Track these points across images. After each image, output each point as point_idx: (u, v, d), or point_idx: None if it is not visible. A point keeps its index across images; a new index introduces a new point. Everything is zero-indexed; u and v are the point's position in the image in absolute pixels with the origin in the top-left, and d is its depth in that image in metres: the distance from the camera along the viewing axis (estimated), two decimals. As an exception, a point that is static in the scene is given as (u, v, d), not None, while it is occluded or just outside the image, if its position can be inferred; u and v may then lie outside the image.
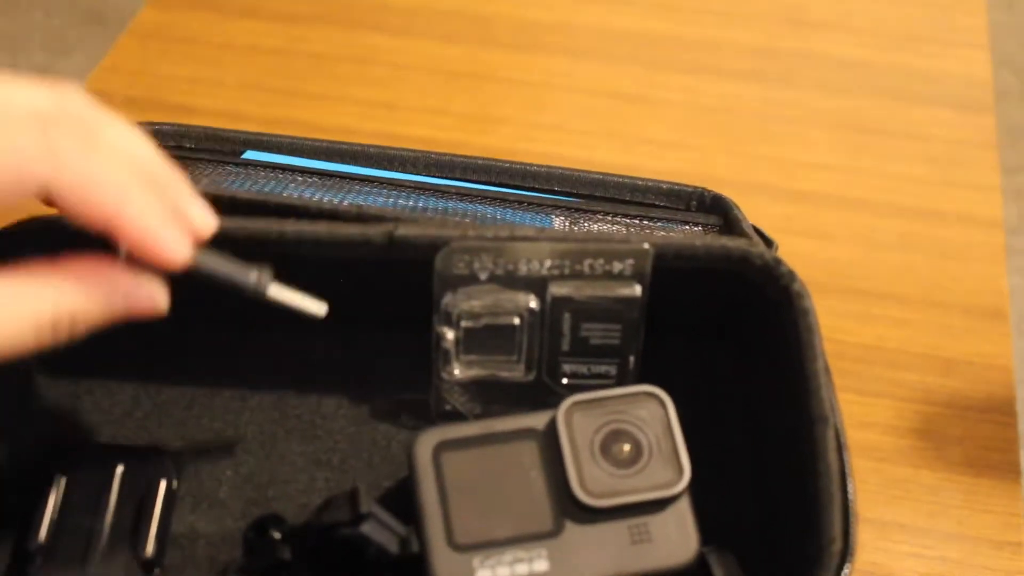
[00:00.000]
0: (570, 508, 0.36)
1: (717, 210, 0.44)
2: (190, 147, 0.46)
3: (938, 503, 0.49)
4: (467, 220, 0.42)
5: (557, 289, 0.40)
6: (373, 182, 0.45)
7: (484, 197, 0.45)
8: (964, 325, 0.56)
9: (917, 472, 0.50)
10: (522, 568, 0.35)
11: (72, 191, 0.31)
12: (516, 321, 0.41)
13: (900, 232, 0.60)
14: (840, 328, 0.55)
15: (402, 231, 0.38)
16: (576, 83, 0.69)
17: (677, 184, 0.44)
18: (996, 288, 0.57)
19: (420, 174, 0.46)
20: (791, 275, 0.38)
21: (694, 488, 0.37)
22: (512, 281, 0.40)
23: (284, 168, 0.45)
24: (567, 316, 0.41)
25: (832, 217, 0.61)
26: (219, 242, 0.35)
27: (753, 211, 0.53)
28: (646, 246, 0.39)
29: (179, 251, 0.33)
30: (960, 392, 0.53)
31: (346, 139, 0.47)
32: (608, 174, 0.45)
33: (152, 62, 0.69)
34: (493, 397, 0.42)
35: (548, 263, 0.39)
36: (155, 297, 0.34)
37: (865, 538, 0.48)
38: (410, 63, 0.69)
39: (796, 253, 0.59)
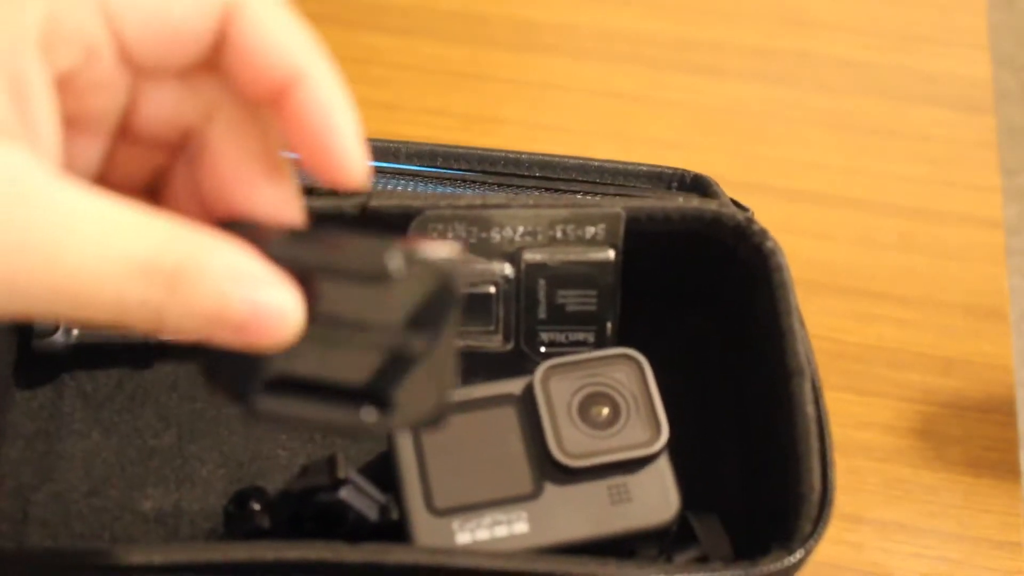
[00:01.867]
0: (549, 470, 0.37)
1: (698, 189, 0.44)
2: None
3: (938, 503, 0.49)
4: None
5: (531, 256, 0.40)
6: None
7: (463, 181, 0.45)
8: (964, 325, 0.56)
9: (917, 472, 0.50)
10: (502, 530, 0.36)
11: (264, 19, 0.24)
12: (492, 290, 0.41)
13: (900, 232, 0.60)
14: (840, 328, 0.55)
15: (375, 202, 0.38)
16: (576, 83, 0.69)
17: (658, 166, 0.44)
18: (996, 288, 0.57)
19: (401, 163, 0.46)
20: (763, 233, 0.39)
21: (676, 451, 0.37)
22: (486, 250, 0.40)
23: None
24: (542, 283, 0.41)
25: (832, 217, 0.61)
26: None
27: (753, 211, 0.53)
28: (618, 210, 0.39)
29: (357, 168, 0.25)
30: (960, 392, 0.53)
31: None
32: (588, 159, 0.45)
33: (152, 62, 0.69)
34: (472, 369, 0.42)
35: (521, 230, 0.39)
36: (287, 312, 0.23)
37: (865, 538, 0.48)
38: (410, 63, 0.69)
39: (796, 253, 0.59)
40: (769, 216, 0.60)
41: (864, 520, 0.48)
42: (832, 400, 0.52)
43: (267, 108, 0.26)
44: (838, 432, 0.51)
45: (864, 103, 0.67)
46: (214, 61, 0.25)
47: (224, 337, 0.23)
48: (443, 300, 0.25)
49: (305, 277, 0.24)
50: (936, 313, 0.56)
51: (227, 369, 0.25)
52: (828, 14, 0.73)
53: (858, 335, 0.55)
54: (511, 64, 0.70)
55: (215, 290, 0.22)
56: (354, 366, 0.25)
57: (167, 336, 0.24)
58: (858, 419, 0.52)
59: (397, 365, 0.25)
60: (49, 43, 0.22)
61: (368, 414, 0.25)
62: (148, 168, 0.27)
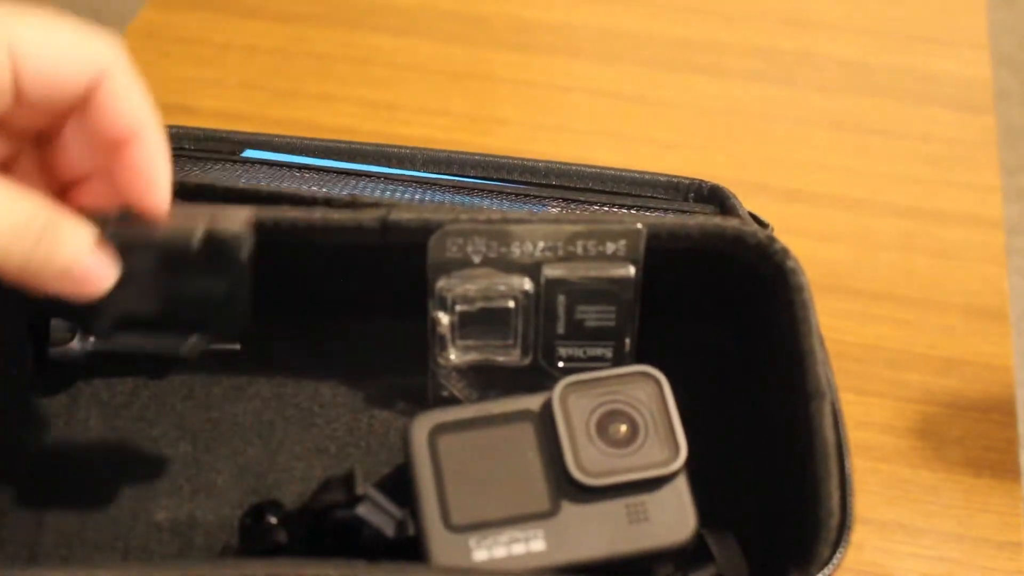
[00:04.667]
0: (566, 488, 0.36)
1: (714, 200, 0.44)
2: (190, 148, 0.46)
3: (938, 503, 0.49)
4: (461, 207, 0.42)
5: (551, 271, 0.40)
6: (369, 177, 0.45)
7: (480, 190, 0.45)
8: (964, 325, 0.56)
9: (917, 472, 0.50)
10: (519, 548, 0.35)
11: (124, 90, 0.33)
12: (511, 304, 0.40)
13: (900, 232, 0.60)
14: (840, 328, 0.55)
15: (395, 216, 0.38)
16: (577, 83, 0.69)
17: (675, 176, 0.44)
18: (996, 288, 0.57)
19: (417, 170, 0.46)
20: (784, 252, 0.38)
21: (694, 470, 0.37)
22: (506, 264, 0.40)
23: (282, 164, 0.46)
24: (561, 298, 0.40)
25: (832, 217, 0.61)
26: None
27: (753, 211, 0.53)
28: (639, 226, 0.39)
29: (164, 203, 0.34)
30: (960, 392, 0.53)
31: (346, 139, 0.47)
32: (605, 168, 0.45)
33: (152, 62, 0.69)
34: (490, 382, 0.42)
35: (541, 245, 0.39)
36: (105, 271, 0.33)
37: (865, 538, 0.48)
38: (410, 63, 0.69)
39: (796, 253, 0.59)
40: (769, 216, 0.60)
41: (864, 520, 0.48)
42: (832, 400, 0.53)
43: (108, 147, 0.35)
44: (838, 432, 0.51)
45: (864, 103, 0.67)
46: (79, 103, 0.34)
47: (63, 287, 0.33)
48: (232, 256, 0.34)
49: (127, 249, 0.34)
50: (936, 313, 0.56)
51: (86, 316, 0.36)
52: (828, 14, 0.73)
53: (858, 335, 0.55)
54: (511, 64, 0.70)
55: (67, 251, 0.32)
56: (175, 308, 0.35)
57: (26, 285, 0.32)
58: (858, 419, 0.52)
59: (206, 304, 0.35)
60: None
61: (191, 339, 0.36)
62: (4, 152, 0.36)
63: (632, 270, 0.40)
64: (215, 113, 0.66)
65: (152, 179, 0.34)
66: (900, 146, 0.65)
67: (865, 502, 0.49)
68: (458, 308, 0.40)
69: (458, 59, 0.70)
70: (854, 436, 0.51)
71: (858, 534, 0.48)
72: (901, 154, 0.64)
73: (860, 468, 0.50)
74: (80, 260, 0.33)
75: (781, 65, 0.70)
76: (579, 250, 0.39)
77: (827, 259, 0.59)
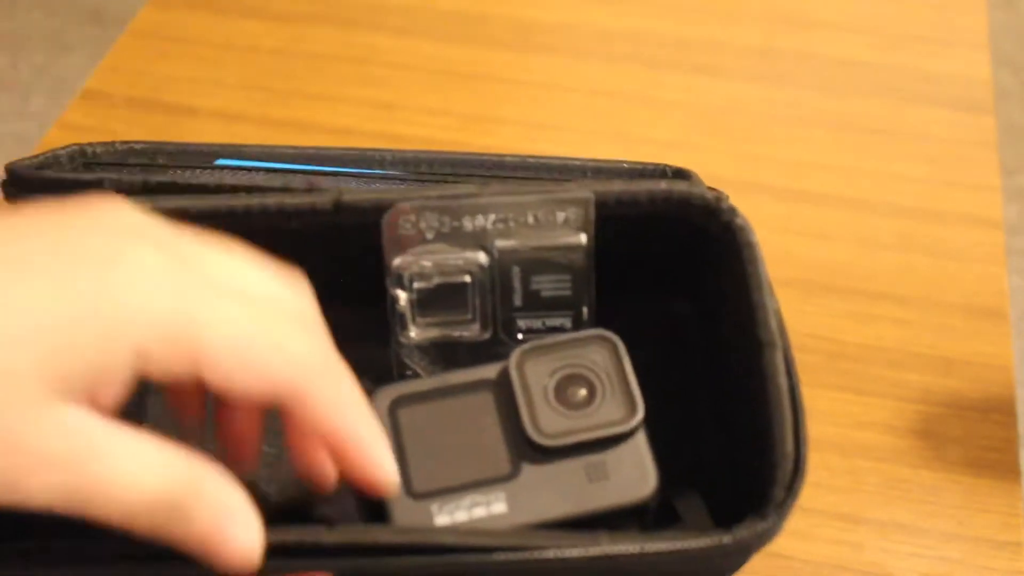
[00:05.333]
0: (526, 451, 0.37)
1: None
2: (162, 163, 0.47)
3: (938, 503, 0.49)
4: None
5: (503, 243, 0.40)
6: (334, 176, 0.46)
7: (445, 183, 0.45)
8: (964, 325, 0.56)
9: (917, 472, 0.50)
10: (480, 511, 0.36)
11: (320, 407, 0.31)
12: (467, 279, 0.41)
13: (900, 232, 0.60)
14: (840, 328, 0.55)
15: (348, 197, 0.38)
16: (576, 83, 0.69)
17: (639, 163, 0.45)
18: (996, 288, 0.57)
19: (384, 170, 0.46)
20: (732, 210, 0.39)
21: (656, 429, 0.37)
22: (460, 238, 0.40)
23: (250, 169, 0.46)
24: (516, 270, 0.41)
25: (832, 217, 0.61)
26: (172, 219, 0.35)
27: (753, 211, 0.52)
28: (587, 193, 0.39)
29: (391, 476, 0.33)
30: (960, 392, 0.53)
31: (346, 139, 0.48)
32: (570, 158, 0.45)
33: (152, 62, 0.69)
34: (452, 358, 0.42)
35: (492, 217, 0.40)
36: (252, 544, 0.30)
37: (865, 538, 0.48)
38: (410, 63, 0.69)
39: (796, 253, 0.60)
40: (769, 216, 0.60)
41: (864, 520, 0.48)
42: (832, 400, 0.53)
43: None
44: (838, 432, 0.52)
45: (864, 103, 0.67)
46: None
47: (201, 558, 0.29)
48: None
49: None
50: (935, 313, 0.56)
51: None
52: (828, 14, 0.73)
53: (857, 335, 0.55)
54: (511, 64, 0.70)
55: (202, 526, 0.29)
56: None
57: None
58: (857, 419, 0.52)
59: None
60: (141, 355, 0.28)
61: None
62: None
63: (583, 237, 0.40)
64: (215, 113, 0.66)
65: (369, 463, 0.32)
66: (900, 146, 0.65)
67: (865, 502, 0.49)
68: (415, 285, 0.41)
69: (458, 59, 0.70)
70: (854, 436, 0.51)
71: (858, 534, 0.48)
72: (901, 154, 0.64)
73: (860, 468, 0.50)
74: (224, 535, 0.29)
75: (781, 65, 0.70)
76: (530, 220, 0.40)
77: (827, 259, 0.59)
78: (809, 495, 0.49)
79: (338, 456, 0.32)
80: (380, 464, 0.32)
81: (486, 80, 0.69)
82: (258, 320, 0.30)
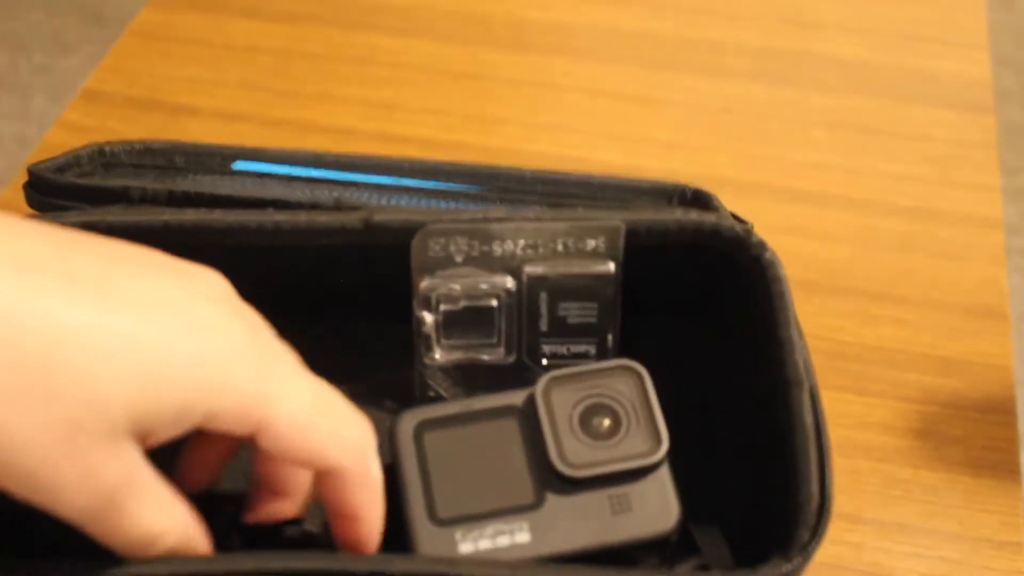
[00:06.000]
0: (550, 480, 0.37)
1: (698, 204, 0.44)
2: (180, 164, 0.47)
3: (938, 503, 0.49)
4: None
5: (532, 269, 0.40)
6: (356, 186, 0.46)
7: (467, 196, 0.45)
8: (964, 325, 0.56)
9: (917, 472, 0.50)
10: (504, 540, 0.36)
11: (349, 491, 0.33)
12: (494, 303, 0.41)
13: (900, 232, 0.60)
14: (840, 328, 0.55)
15: (378, 217, 0.38)
16: (577, 83, 0.69)
17: (658, 181, 0.45)
18: (996, 288, 0.57)
19: (404, 179, 0.46)
20: (762, 245, 0.39)
21: (677, 461, 0.37)
22: (488, 263, 0.40)
23: (271, 176, 0.46)
24: (543, 296, 0.41)
25: (832, 217, 0.61)
26: (201, 234, 0.35)
27: (753, 211, 0.52)
28: (618, 222, 0.39)
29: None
30: (960, 392, 0.53)
31: (346, 139, 0.48)
32: (590, 175, 0.45)
33: (152, 62, 0.69)
34: (475, 381, 0.42)
35: (522, 243, 0.40)
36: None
37: (865, 538, 0.48)
38: (410, 63, 0.69)
39: (796, 253, 0.59)
40: (769, 216, 0.60)
41: (864, 520, 0.48)
42: (832, 400, 0.53)
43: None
44: (838, 432, 0.51)
45: (864, 103, 0.67)
46: None
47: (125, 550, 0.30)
48: None
49: None
50: (935, 313, 0.56)
51: None
52: (828, 14, 0.73)
53: (857, 335, 0.55)
54: (511, 64, 0.70)
55: (156, 545, 0.31)
56: None
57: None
58: (858, 419, 0.52)
59: None
60: (210, 417, 0.30)
61: None
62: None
63: (612, 266, 0.40)
64: (215, 113, 0.66)
65: (366, 540, 0.34)
66: (900, 146, 0.65)
67: (865, 502, 0.49)
68: (442, 308, 0.41)
69: (458, 59, 0.70)
70: (854, 436, 0.51)
71: (858, 534, 0.48)
72: (901, 154, 0.64)
73: (860, 468, 0.50)
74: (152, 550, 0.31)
75: (781, 65, 0.70)
76: (560, 247, 0.40)
77: (827, 259, 0.59)
78: (809, 495, 0.49)
79: (343, 518, 0.34)
80: (371, 543, 0.34)
81: (486, 80, 0.69)
82: (321, 403, 0.32)
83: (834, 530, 0.48)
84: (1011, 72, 1.52)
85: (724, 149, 0.65)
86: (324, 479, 0.33)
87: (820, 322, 0.55)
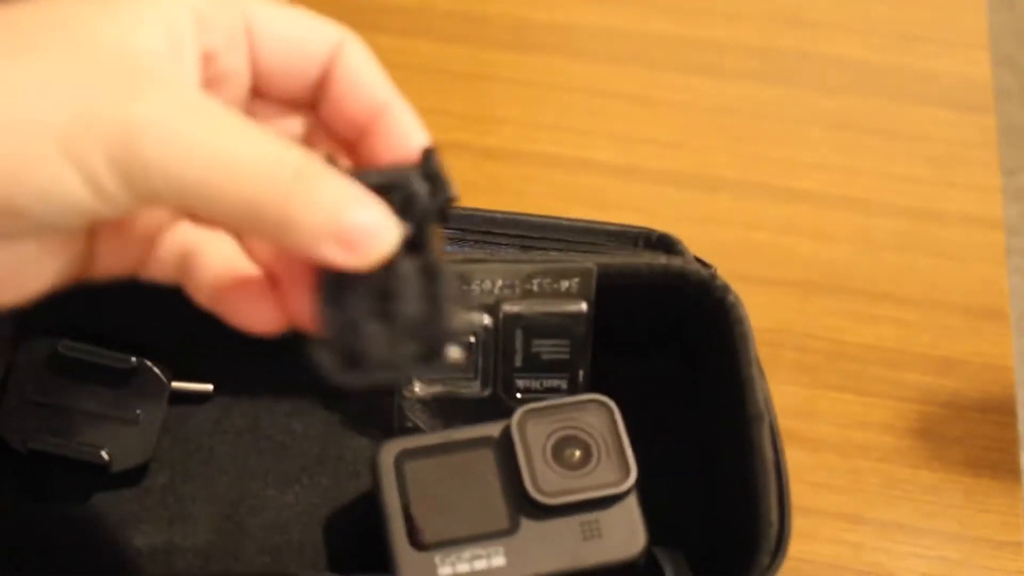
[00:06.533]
0: (525, 507, 0.39)
1: (662, 247, 0.46)
2: None
3: (938, 503, 0.49)
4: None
5: (508, 308, 0.43)
6: None
7: (448, 239, 0.47)
8: (964, 325, 0.56)
9: (917, 472, 0.50)
10: (481, 564, 0.38)
11: (363, 63, 0.31)
12: (471, 340, 0.44)
13: (900, 232, 0.60)
14: (840, 328, 0.55)
15: None
16: (576, 83, 0.69)
17: (624, 225, 0.47)
18: (996, 288, 0.57)
19: None
20: (725, 288, 0.42)
21: (646, 491, 0.40)
22: (466, 302, 0.43)
23: None
24: (519, 333, 0.44)
25: (832, 217, 0.61)
26: None
27: (753, 211, 0.53)
28: (590, 265, 0.43)
29: None
30: (960, 392, 0.53)
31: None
32: (559, 218, 0.47)
33: (152, 62, 0.69)
34: (452, 413, 0.45)
35: (499, 283, 0.43)
36: (386, 225, 0.28)
37: (865, 538, 0.48)
38: (410, 63, 0.69)
39: (796, 253, 0.60)
40: (769, 216, 0.60)
41: (864, 520, 0.48)
42: (832, 400, 0.53)
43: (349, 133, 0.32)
44: (838, 432, 0.52)
45: (864, 103, 0.67)
46: (310, 99, 0.31)
47: (328, 251, 0.26)
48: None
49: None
50: (935, 313, 0.56)
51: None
52: (828, 14, 0.73)
53: (857, 335, 0.55)
54: (511, 64, 0.70)
55: (331, 191, 0.26)
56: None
57: (285, 244, 0.27)
58: (857, 419, 0.52)
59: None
60: (201, 21, 0.28)
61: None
62: None
63: (584, 306, 0.44)
64: (215, 113, 0.66)
65: (410, 124, 0.33)
66: (900, 146, 0.65)
67: (865, 502, 0.49)
68: None
69: (458, 59, 0.70)
70: (854, 436, 0.51)
71: (858, 534, 0.48)
72: (901, 154, 0.64)
73: (860, 468, 0.50)
74: (351, 206, 0.27)
75: (781, 65, 0.70)
76: (535, 288, 0.43)
77: (827, 259, 0.59)
78: (809, 495, 0.49)
79: (372, 127, 0.32)
80: (417, 126, 0.33)
81: (486, 80, 0.69)
82: (295, 7, 0.30)
83: (834, 530, 0.48)
84: (1011, 72, 1.52)
85: (724, 149, 0.65)
86: (332, 81, 0.31)
87: (820, 322, 0.56)
